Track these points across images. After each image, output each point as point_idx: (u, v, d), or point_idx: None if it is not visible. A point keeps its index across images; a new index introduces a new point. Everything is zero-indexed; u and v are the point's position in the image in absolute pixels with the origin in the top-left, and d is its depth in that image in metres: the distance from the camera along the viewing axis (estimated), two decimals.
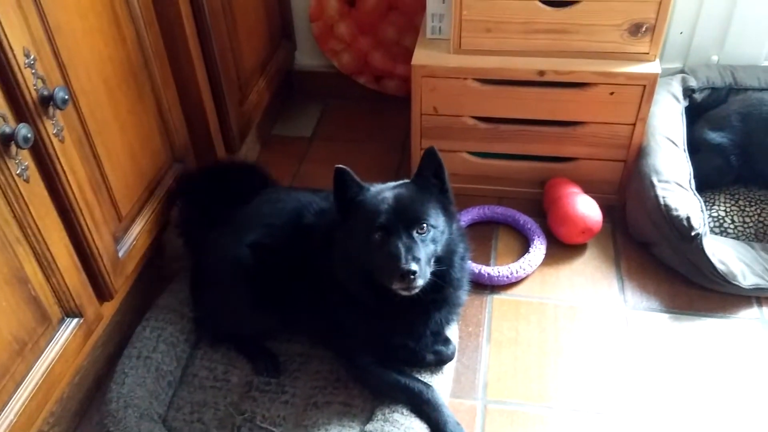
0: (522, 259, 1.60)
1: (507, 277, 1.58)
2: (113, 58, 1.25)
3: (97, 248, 1.23)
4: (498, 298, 1.57)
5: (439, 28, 1.67)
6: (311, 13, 2.04)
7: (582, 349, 1.44)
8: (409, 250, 1.14)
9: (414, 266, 1.12)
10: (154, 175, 1.44)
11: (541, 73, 1.58)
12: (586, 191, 1.70)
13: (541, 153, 1.73)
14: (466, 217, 1.73)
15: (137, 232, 1.38)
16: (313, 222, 1.34)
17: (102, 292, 1.28)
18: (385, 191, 1.22)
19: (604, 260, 1.64)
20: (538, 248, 1.63)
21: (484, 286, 1.59)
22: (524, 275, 1.59)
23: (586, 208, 1.63)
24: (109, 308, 1.35)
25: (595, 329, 1.48)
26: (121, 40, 1.27)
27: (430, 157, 1.22)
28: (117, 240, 1.32)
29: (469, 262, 1.56)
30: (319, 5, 2.01)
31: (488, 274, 1.58)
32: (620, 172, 1.71)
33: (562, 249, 1.67)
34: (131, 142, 1.34)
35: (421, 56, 1.65)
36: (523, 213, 1.73)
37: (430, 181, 1.23)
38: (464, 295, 1.35)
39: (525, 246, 1.67)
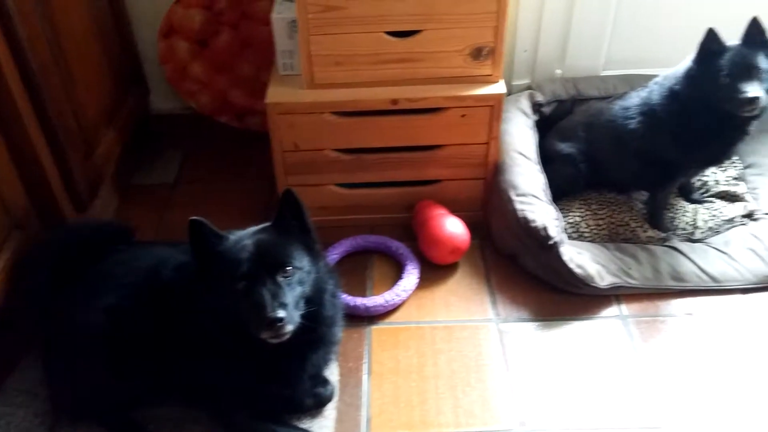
0: (396, 286, 1.61)
1: (383, 305, 1.58)
2: None
3: None
4: (377, 328, 1.57)
5: (291, 64, 1.66)
6: (161, 57, 1.97)
7: (459, 369, 1.46)
8: (275, 296, 1.11)
9: (281, 313, 1.09)
10: None
11: (395, 101, 1.61)
12: (453, 211, 1.74)
13: (406, 178, 1.76)
14: (339, 249, 1.73)
15: None
16: (173, 278, 1.28)
17: None
18: (245, 238, 1.19)
19: (475, 277, 1.69)
20: (411, 273, 1.65)
21: (362, 317, 1.58)
22: (400, 302, 1.60)
23: (453, 229, 1.67)
24: None
25: (470, 346, 1.51)
26: None
27: (289, 199, 1.20)
28: None
29: (344, 296, 1.56)
30: (169, 48, 1.95)
31: (364, 305, 1.57)
32: (481, 190, 1.77)
33: (435, 270, 1.70)
34: None
35: (275, 94, 1.63)
36: (396, 239, 1.75)
37: (291, 223, 1.21)
38: (339, 331, 1.34)
39: (400, 272, 1.68)
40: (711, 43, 1.48)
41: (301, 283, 1.17)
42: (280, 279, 1.13)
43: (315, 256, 1.23)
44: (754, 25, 1.48)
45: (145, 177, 2.04)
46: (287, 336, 1.12)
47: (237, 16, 1.91)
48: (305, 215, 1.22)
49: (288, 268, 1.14)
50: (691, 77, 1.53)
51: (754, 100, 1.44)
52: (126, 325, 1.26)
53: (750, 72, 1.46)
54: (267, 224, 1.23)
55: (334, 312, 1.29)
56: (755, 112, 1.48)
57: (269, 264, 1.14)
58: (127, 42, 1.92)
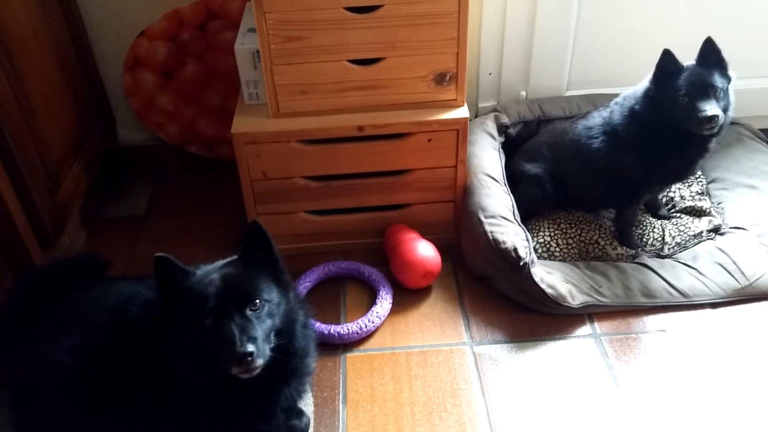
0: (369, 313, 1.60)
1: (357, 333, 1.57)
2: None
3: None
4: (351, 356, 1.56)
5: (256, 94, 1.67)
6: (126, 89, 1.96)
7: (435, 394, 1.45)
8: (244, 330, 1.10)
9: (250, 347, 1.08)
10: None
11: (360, 128, 1.61)
12: (424, 234, 1.74)
13: (376, 203, 1.76)
14: (311, 277, 1.72)
15: None
16: (140, 315, 1.26)
17: None
18: (211, 273, 1.17)
19: (449, 300, 1.69)
20: (385, 299, 1.64)
21: (336, 345, 1.57)
22: (374, 328, 1.59)
23: (424, 252, 1.67)
24: None
25: (446, 370, 1.51)
26: None
27: (255, 231, 1.19)
28: None
29: (317, 324, 1.56)
30: (134, 80, 1.94)
31: (338, 333, 1.56)
32: (452, 212, 1.78)
33: (408, 295, 1.70)
34: None
35: (241, 124, 1.63)
36: (369, 264, 1.75)
37: (258, 255, 1.20)
38: (312, 362, 1.32)
39: (374, 297, 1.68)
40: (667, 63, 1.52)
41: (270, 315, 1.16)
42: (248, 313, 1.12)
43: (284, 287, 1.22)
44: (708, 45, 1.52)
45: (114, 210, 2.02)
46: (257, 370, 1.11)
47: (202, 47, 1.91)
48: (272, 246, 1.21)
49: (256, 301, 1.13)
50: (650, 97, 1.56)
51: (713, 118, 1.47)
52: (94, 364, 1.24)
53: (707, 91, 1.49)
54: (234, 257, 1.22)
55: (306, 343, 1.27)
56: (714, 130, 1.51)
57: (237, 298, 1.12)
58: (91, 75, 1.91)
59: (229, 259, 1.22)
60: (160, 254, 1.14)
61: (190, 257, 1.21)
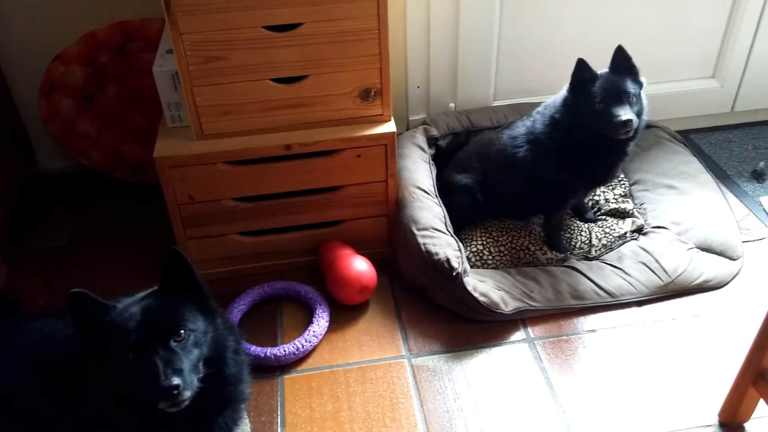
0: (306, 332, 1.59)
1: (294, 353, 1.55)
2: None
3: None
4: (289, 377, 1.54)
5: (179, 116, 1.63)
6: (43, 116, 1.89)
7: (374, 410, 1.45)
8: (168, 363, 1.07)
9: (176, 380, 1.05)
10: None
11: (288, 147, 1.60)
12: (359, 249, 1.74)
13: (309, 221, 1.75)
14: (246, 300, 1.68)
15: None
16: (61, 352, 1.21)
17: None
18: (132, 306, 1.14)
19: (386, 314, 1.69)
20: (321, 317, 1.63)
21: (273, 368, 1.55)
22: (311, 347, 1.58)
23: (359, 268, 1.67)
24: None
25: (384, 385, 1.50)
26: None
27: (174, 259, 1.16)
28: None
29: (253, 347, 1.53)
30: (51, 106, 1.88)
31: (275, 355, 1.54)
32: (385, 227, 1.78)
33: (345, 311, 1.69)
34: None
35: (163, 147, 1.59)
36: (305, 283, 1.73)
37: (179, 284, 1.17)
38: (246, 388, 1.30)
39: (311, 316, 1.66)
40: (582, 72, 1.57)
41: (197, 345, 1.13)
42: (173, 344, 1.09)
43: (210, 313, 1.19)
44: (620, 52, 1.58)
45: (37, 241, 1.93)
46: (186, 403, 1.08)
47: (122, 69, 1.87)
48: (194, 273, 1.18)
49: (181, 332, 1.11)
50: (568, 105, 1.61)
51: (628, 122, 1.53)
52: (14, 408, 1.18)
53: (620, 97, 1.55)
54: (154, 288, 1.19)
55: (239, 369, 1.25)
56: (630, 134, 1.56)
57: (159, 330, 1.09)
58: (4, 102, 1.83)
59: (150, 290, 1.19)
60: (76, 290, 1.10)
61: (119, 287, 1.17)
